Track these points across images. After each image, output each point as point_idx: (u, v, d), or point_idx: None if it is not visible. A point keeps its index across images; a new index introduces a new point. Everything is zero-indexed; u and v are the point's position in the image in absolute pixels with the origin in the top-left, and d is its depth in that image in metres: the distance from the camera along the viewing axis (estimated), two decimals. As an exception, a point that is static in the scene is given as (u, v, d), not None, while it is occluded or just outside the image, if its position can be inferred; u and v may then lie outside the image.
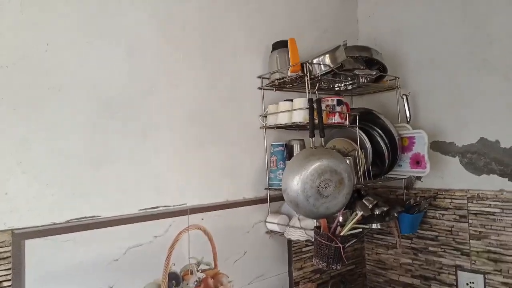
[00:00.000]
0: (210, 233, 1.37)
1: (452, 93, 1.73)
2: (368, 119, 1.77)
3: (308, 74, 1.37)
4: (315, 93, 1.44)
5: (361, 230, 1.32)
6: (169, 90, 1.30)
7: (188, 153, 1.34)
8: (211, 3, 1.44)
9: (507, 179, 1.56)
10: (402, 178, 1.79)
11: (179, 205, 1.31)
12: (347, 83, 1.67)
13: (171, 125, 1.30)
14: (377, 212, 1.71)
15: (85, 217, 1.10)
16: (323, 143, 1.35)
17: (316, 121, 1.33)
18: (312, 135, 1.31)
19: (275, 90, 1.64)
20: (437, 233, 1.78)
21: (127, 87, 1.20)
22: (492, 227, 1.59)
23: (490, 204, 1.60)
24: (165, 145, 1.28)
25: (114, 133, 1.16)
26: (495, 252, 1.59)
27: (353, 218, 1.30)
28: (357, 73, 1.58)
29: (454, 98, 1.72)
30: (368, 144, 1.68)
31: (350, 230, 1.30)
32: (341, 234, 1.28)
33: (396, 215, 1.66)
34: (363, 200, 1.76)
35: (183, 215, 1.30)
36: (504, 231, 1.56)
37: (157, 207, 1.25)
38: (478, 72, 1.64)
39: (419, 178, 1.86)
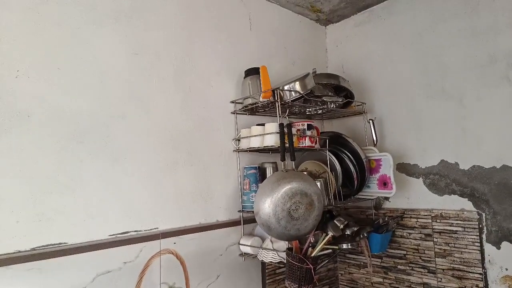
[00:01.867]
0: (183, 257, 1.36)
1: (414, 118, 1.84)
2: (338, 143, 1.85)
3: (279, 100, 1.42)
4: (286, 118, 1.49)
5: (331, 250, 1.35)
6: (141, 115, 1.32)
7: (160, 177, 1.35)
8: (184, 31, 1.50)
9: (466, 199, 1.65)
10: (371, 199, 1.85)
11: (151, 229, 1.30)
12: (317, 108, 1.75)
13: (143, 150, 1.31)
14: (348, 232, 1.76)
15: (51, 244, 1.07)
16: (294, 166, 1.40)
17: (287, 145, 1.38)
18: (283, 159, 1.36)
19: (248, 114, 1.70)
20: (405, 252, 1.84)
21: (96, 112, 1.21)
22: (455, 245, 1.67)
23: (453, 223, 1.68)
24: (136, 169, 1.28)
25: (82, 158, 1.16)
26: (459, 270, 1.66)
27: (323, 239, 1.33)
28: (325, 99, 1.65)
29: (416, 123, 1.83)
30: (338, 167, 1.74)
31: (320, 251, 1.33)
32: (312, 255, 1.31)
33: (365, 235, 1.71)
34: (335, 221, 1.81)
35: (155, 239, 1.29)
36: (466, 249, 1.64)
37: (127, 232, 1.24)
38: (436, 98, 1.76)
39: (387, 198, 1.94)
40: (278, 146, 1.41)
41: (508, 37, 1.55)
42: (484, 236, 1.60)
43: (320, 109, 1.75)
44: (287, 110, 1.58)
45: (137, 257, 1.24)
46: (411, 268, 1.81)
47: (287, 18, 2.00)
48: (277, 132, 1.40)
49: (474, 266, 1.61)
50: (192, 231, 1.41)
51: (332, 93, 1.84)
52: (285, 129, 1.39)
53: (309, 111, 1.85)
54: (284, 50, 1.97)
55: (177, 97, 1.44)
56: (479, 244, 1.60)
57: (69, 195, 1.12)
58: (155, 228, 1.31)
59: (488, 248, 1.59)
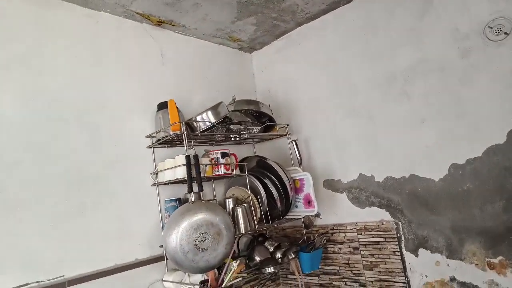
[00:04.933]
0: (96, 303, 1.33)
1: (333, 135, 1.91)
2: (263, 166, 1.89)
3: (185, 132, 1.45)
4: (193, 149, 1.52)
5: (245, 276, 1.36)
6: (40, 160, 1.30)
7: (67, 221, 1.32)
8: (88, 71, 1.51)
9: (384, 209, 1.72)
10: (299, 218, 1.89)
11: (55, 278, 1.26)
12: (236, 135, 1.79)
13: (43, 196, 1.29)
14: (278, 254, 1.78)
15: None
16: (201, 197, 1.41)
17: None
18: (190, 190, 1.37)
19: (168, 147, 1.71)
20: (338, 267, 1.87)
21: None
22: (380, 256, 1.72)
23: (375, 235, 1.73)
24: (37, 216, 1.26)
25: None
26: (385, 280, 1.70)
27: (232, 269, 1.33)
28: (232, 127, 1.70)
29: (335, 140, 1.91)
30: (262, 190, 1.77)
31: (231, 280, 1.33)
32: (222, 286, 1.31)
33: (293, 255, 1.73)
34: (265, 244, 1.82)
35: (60, 288, 1.25)
36: (389, 259, 1.68)
37: (27, 284, 1.19)
38: (350, 117, 1.85)
39: (318, 215, 1.97)
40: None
41: (403, 55, 1.66)
42: (403, 245, 1.66)
43: (238, 135, 1.79)
44: (217, 138, 1.60)
45: (39, 309, 1.19)
46: (344, 283, 1.84)
47: (207, 49, 2.06)
48: (184, 164, 1.41)
49: (398, 275, 1.66)
50: (106, 274, 1.38)
51: (253, 119, 1.90)
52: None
53: (234, 137, 1.89)
54: (206, 80, 2.02)
55: (83, 138, 1.43)
56: (399, 253, 1.65)
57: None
58: (60, 276, 1.27)
59: (408, 256, 1.64)
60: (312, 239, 1.91)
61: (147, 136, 1.64)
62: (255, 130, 1.91)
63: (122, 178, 1.52)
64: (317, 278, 1.95)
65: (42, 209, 1.27)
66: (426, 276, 1.59)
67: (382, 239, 1.71)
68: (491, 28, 1.41)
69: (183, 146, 1.73)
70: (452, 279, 1.51)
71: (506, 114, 1.38)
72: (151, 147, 1.65)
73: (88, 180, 1.42)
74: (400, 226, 1.66)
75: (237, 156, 1.76)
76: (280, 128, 1.99)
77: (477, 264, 1.45)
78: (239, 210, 1.62)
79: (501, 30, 1.39)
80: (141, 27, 1.74)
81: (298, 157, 1.92)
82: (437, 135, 1.55)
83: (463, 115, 1.48)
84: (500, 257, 1.40)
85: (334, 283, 1.87)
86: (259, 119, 1.94)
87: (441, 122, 1.54)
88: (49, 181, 1.31)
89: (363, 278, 1.77)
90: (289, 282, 2.09)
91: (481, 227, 1.44)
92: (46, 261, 1.25)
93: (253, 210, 1.68)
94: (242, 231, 1.60)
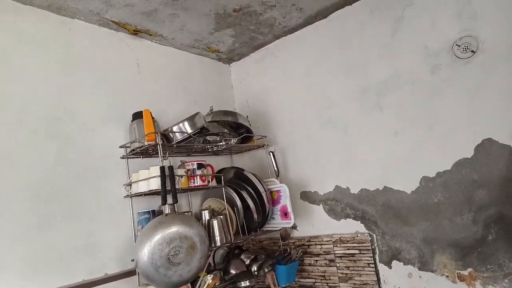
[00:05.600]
0: (62, 321, 1.26)
1: (310, 147, 1.93)
2: (240, 178, 1.87)
3: (160, 142, 1.43)
4: (168, 159, 1.49)
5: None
6: (7, 171, 1.25)
7: (32, 235, 1.26)
8: (58, 81, 1.46)
9: (359, 221, 1.73)
10: (276, 230, 1.88)
11: (17, 295, 1.19)
12: (212, 146, 1.77)
13: (8, 207, 1.23)
14: (254, 267, 1.75)
15: None
16: (176, 209, 1.38)
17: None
18: (164, 202, 1.34)
19: (142, 157, 1.67)
20: (314, 280, 1.86)
21: None
22: (355, 268, 1.72)
23: (350, 247, 1.74)
24: (-1, 230, 1.19)
25: None
26: (360, 292, 1.70)
27: (206, 283, 1.31)
28: (209, 139, 1.69)
29: (312, 152, 1.92)
30: (238, 202, 1.75)
31: (205, 294, 1.30)
32: (195, 301, 1.27)
33: (269, 268, 1.71)
34: (242, 256, 1.80)
35: (23, 305, 1.18)
36: (364, 271, 1.69)
37: (-15, 303, 1.13)
38: (326, 129, 1.87)
39: (295, 227, 1.97)
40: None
41: (376, 69, 1.70)
42: (377, 257, 1.67)
43: (215, 146, 1.78)
44: (194, 149, 1.58)
45: (-2, 329, 1.12)
46: (320, 295, 1.83)
47: (185, 59, 2.05)
48: (159, 176, 1.38)
49: None
50: (73, 290, 1.32)
51: (230, 130, 1.89)
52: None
53: (211, 148, 1.87)
54: (184, 90, 2.00)
55: (51, 149, 1.38)
56: (373, 265, 1.67)
57: None
58: (23, 293, 1.20)
59: (382, 268, 1.66)
60: (288, 251, 1.90)
61: (121, 147, 1.60)
62: (232, 141, 1.91)
63: (93, 190, 1.47)
64: (294, 291, 1.93)
65: (4, 222, 1.21)
66: (400, 288, 1.61)
67: (357, 251, 1.72)
68: (459, 46, 1.47)
69: (158, 157, 1.71)
70: (424, 290, 1.53)
71: (473, 129, 1.43)
72: (124, 158, 1.61)
73: (57, 192, 1.36)
74: (375, 238, 1.68)
75: (214, 167, 1.74)
76: (257, 139, 1.99)
77: (448, 276, 1.48)
78: (215, 222, 1.60)
79: (468, 48, 1.45)
80: (117, 35, 1.71)
81: (276, 169, 1.92)
82: (409, 148, 1.59)
83: (433, 129, 1.53)
84: (470, 269, 1.43)
85: (310, 295, 1.87)
86: (237, 130, 1.94)
87: (413, 135, 1.58)
88: (13, 192, 1.25)
89: (339, 291, 1.77)
90: (266, 295, 2.06)
91: (451, 239, 1.47)
92: (7, 276, 1.18)
93: (230, 222, 1.66)
94: (218, 243, 1.58)
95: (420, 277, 1.54)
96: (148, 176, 1.46)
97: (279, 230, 1.90)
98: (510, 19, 1.37)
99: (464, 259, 1.44)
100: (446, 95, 1.50)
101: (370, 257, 1.67)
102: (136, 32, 1.75)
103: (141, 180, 1.50)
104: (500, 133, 1.37)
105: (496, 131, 1.38)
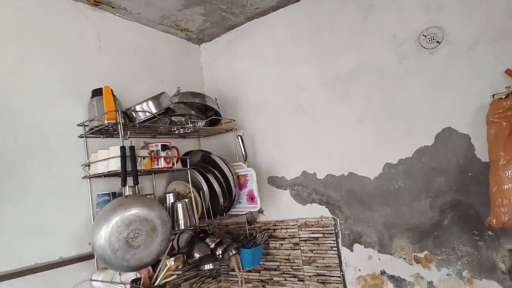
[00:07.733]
0: (12, 306, 1.19)
1: (278, 132, 1.92)
2: (207, 161, 1.83)
3: (121, 121, 1.35)
4: (129, 140, 1.42)
5: (180, 274, 1.30)
6: None
7: (-24, 216, 1.17)
8: (11, 50, 1.35)
9: (324, 206, 1.76)
10: (242, 214, 1.87)
11: (-42, 280, 1.10)
12: (179, 128, 1.71)
13: None
14: (219, 251, 1.74)
15: None
16: (137, 190, 1.33)
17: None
18: (123, 184, 1.28)
19: (103, 137, 1.59)
20: (278, 263, 1.88)
21: None
22: (318, 252, 1.76)
23: (314, 230, 1.77)
24: None
25: None
26: (322, 275, 1.74)
27: (165, 267, 1.27)
28: (174, 120, 1.63)
29: (280, 137, 1.91)
30: (204, 185, 1.72)
31: (165, 278, 1.27)
32: (155, 284, 1.24)
33: (234, 251, 1.71)
34: (206, 240, 1.78)
35: (-36, 291, 1.10)
36: (327, 254, 1.73)
37: None
38: (294, 114, 1.86)
39: (261, 211, 1.97)
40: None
41: (346, 57, 1.71)
42: (339, 240, 1.71)
43: (182, 128, 1.72)
44: (160, 131, 1.51)
45: None
46: (284, 278, 1.86)
47: (151, 36, 1.96)
48: (119, 156, 1.32)
49: (334, 270, 1.71)
50: (24, 274, 1.24)
51: (198, 112, 1.84)
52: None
53: (178, 130, 1.81)
54: (150, 69, 1.91)
55: (2, 123, 1.27)
56: (336, 248, 1.71)
57: None
58: (-35, 278, 1.11)
59: (344, 251, 1.70)
60: (254, 235, 1.90)
61: (79, 125, 1.50)
62: (200, 124, 1.86)
63: (46, 169, 1.38)
64: (258, 274, 1.95)
65: None
66: (360, 270, 1.66)
67: (321, 235, 1.75)
68: (425, 36, 1.50)
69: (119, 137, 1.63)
70: (383, 272, 1.59)
71: (435, 118, 1.47)
72: (83, 137, 1.52)
73: (7, 170, 1.26)
74: (338, 222, 1.71)
75: (180, 150, 1.69)
76: (226, 123, 1.95)
77: (405, 258, 1.54)
78: (179, 206, 1.56)
79: (433, 39, 1.48)
80: (76, 5, 1.59)
81: (243, 153, 1.90)
82: (374, 135, 1.62)
83: (397, 117, 1.56)
84: (426, 252, 1.49)
85: (274, 278, 1.89)
86: (205, 113, 1.89)
87: (378, 123, 1.61)
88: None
89: (302, 273, 1.80)
90: (230, 279, 2.06)
91: (409, 224, 1.53)
92: None
93: (195, 206, 1.62)
94: (182, 227, 1.54)
95: (379, 259, 1.60)
96: (108, 157, 1.39)
97: (246, 214, 1.89)
98: (473, 12, 1.41)
99: (421, 242, 1.50)
100: (411, 85, 1.53)
101: (333, 240, 1.71)
102: (97, 3, 1.63)
103: (100, 161, 1.42)
104: (460, 122, 1.42)
105: (456, 120, 1.43)
